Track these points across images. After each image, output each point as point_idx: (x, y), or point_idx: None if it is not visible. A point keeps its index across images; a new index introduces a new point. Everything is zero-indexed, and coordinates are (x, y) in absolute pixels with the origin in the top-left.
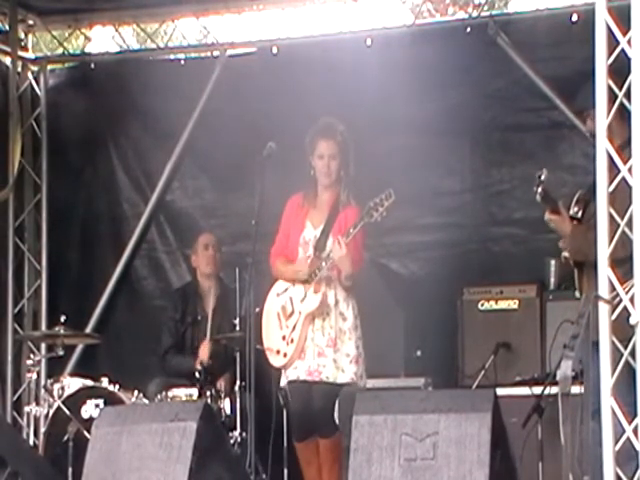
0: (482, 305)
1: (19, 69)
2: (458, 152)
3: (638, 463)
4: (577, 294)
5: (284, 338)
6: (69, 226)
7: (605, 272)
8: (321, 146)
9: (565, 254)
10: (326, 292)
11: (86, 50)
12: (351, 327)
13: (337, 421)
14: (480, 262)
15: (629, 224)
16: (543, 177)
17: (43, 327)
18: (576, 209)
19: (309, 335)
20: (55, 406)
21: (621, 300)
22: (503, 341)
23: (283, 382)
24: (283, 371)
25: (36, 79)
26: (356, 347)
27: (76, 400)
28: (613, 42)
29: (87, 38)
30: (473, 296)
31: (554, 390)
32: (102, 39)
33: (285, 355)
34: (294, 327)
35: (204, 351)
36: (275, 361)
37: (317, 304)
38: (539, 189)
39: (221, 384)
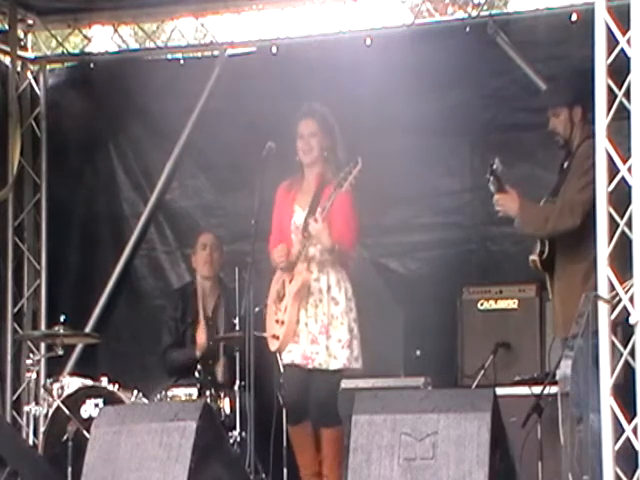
0: (481, 305)
1: (18, 69)
2: (458, 152)
3: (637, 461)
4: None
5: (277, 321)
6: (68, 226)
7: (604, 272)
8: (300, 126)
9: (533, 257)
10: (310, 274)
11: (86, 50)
12: (343, 311)
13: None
14: (479, 262)
15: (628, 224)
16: (495, 166)
17: (42, 327)
18: None
19: (302, 320)
20: (54, 406)
21: (621, 300)
22: (502, 341)
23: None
24: (279, 355)
25: (35, 79)
26: (349, 331)
27: (76, 400)
28: (613, 42)
29: (87, 38)
30: (472, 296)
31: (553, 390)
32: (102, 38)
33: (277, 338)
34: (285, 309)
35: (201, 335)
36: (271, 345)
37: (299, 284)
38: (491, 178)
39: (218, 371)
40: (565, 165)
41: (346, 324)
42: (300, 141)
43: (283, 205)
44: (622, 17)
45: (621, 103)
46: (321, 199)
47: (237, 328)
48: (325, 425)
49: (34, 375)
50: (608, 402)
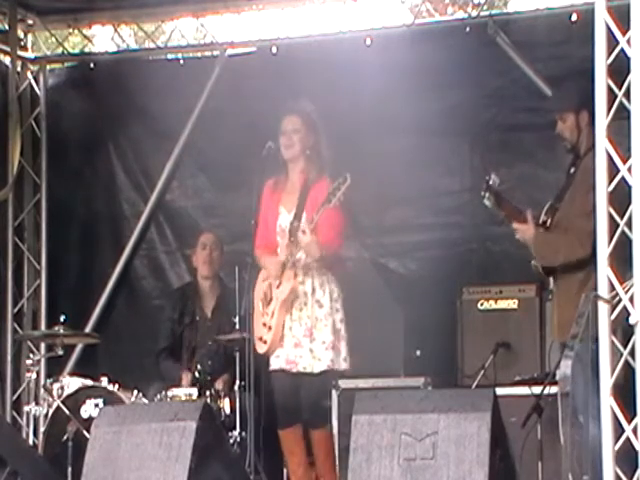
0: (481, 305)
1: (18, 69)
2: (458, 152)
3: (637, 461)
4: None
5: (264, 325)
6: (68, 226)
7: (604, 272)
8: (283, 122)
9: (535, 262)
10: (297, 280)
11: (85, 50)
12: (327, 313)
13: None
14: (479, 262)
15: (628, 224)
16: (491, 182)
17: (42, 327)
18: (545, 217)
19: (287, 324)
20: (54, 406)
21: (621, 300)
22: (502, 341)
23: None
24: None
25: (35, 79)
26: (334, 332)
27: (76, 400)
28: (613, 42)
29: (87, 38)
30: (472, 296)
31: (553, 390)
32: (102, 39)
33: (265, 342)
34: (272, 314)
35: (185, 379)
36: (259, 348)
37: (287, 292)
38: (487, 194)
39: (219, 385)
40: (572, 171)
41: (330, 326)
42: (282, 137)
43: (268, 205)
44: (622, 17)
45: (621, 103)
46: (306, 202)
47: (237, 328)
48: (313, 426)
49: (34, 375)
50: (608, 402)
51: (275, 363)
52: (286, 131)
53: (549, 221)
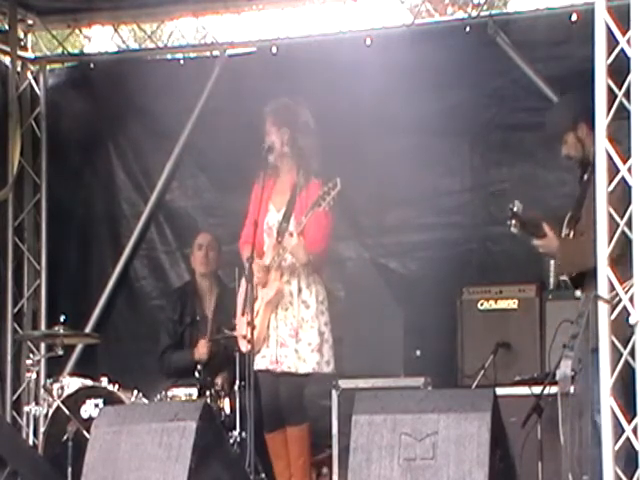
0: (481, 305)
1: (18, 69)
2: (458, 152)
3: (637, 461)
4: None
5: (248, 324)
6: (68, 226)
7: (605, 272)
8: (266, 123)
9: (562, 277)
10: (283, 282)
11: (85, 50)
12: (314, 315)
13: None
14: (480, 262)
15: (628, 224)
16: (515, 209)
17: (42, 327)
18: (567, 230)
19: (272, 324)
20: (54, 406)
21: (621, 300)
22: (502, 341)
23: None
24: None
25: (35, 79)
26: (319, 334)
27: (75, 400)
28: (613, 42)
29: (86, 37)
30: (472, 296)
31: (553, 390)
32: (101, 39)
33: (249, 341)
34: (257, 313)
35: (202, 349)
36: (242, 346)
37: (272, 293)
38: (513, 221)
39: (219, 382)
40: (585, 177)
41: (316, 328)
42: (267, 138)
43: (258, 202)
44: (622, 17)
45: (621, 103)
46: (295, 205)
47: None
48: (288, 422)
49: (34, 375)
50: (608, 402)
51: (261, 363)
52: (268, 132)
53: (572, 233)
